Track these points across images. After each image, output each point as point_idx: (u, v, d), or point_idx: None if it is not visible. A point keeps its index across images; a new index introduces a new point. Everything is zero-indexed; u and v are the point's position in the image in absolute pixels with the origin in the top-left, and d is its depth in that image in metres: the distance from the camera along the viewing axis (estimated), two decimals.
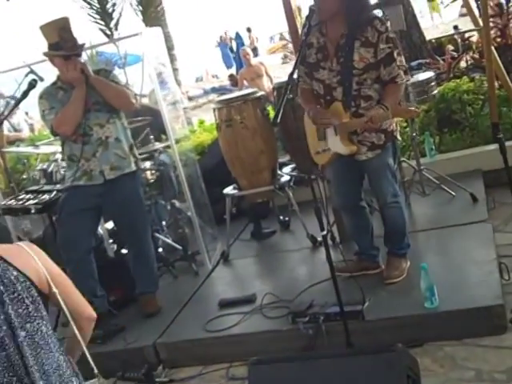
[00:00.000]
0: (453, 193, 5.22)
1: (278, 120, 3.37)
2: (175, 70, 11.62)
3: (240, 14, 29.00)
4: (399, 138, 4.28)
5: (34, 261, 2.10)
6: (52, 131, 4.39)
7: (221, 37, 24.91)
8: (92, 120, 4.34)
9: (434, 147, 6.05)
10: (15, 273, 2.01)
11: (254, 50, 19.99)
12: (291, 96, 3.57)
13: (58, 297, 2.12)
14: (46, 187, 5.12)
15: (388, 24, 3.87)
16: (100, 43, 6.77)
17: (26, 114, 19.30)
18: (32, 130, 13.07)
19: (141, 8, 10.79)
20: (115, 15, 10.43)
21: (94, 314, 2.30)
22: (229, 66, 23.35)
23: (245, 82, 11.41)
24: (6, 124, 8.60)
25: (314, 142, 4.04)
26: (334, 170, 4.15)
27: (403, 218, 4.10)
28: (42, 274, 2.09)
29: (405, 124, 5.98)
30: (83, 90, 4.28)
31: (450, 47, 8.86)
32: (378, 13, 5.29)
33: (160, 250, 5.40)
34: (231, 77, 16.84)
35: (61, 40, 4.24)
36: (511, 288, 3.81)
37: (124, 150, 4.45)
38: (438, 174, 5.37)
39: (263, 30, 26.43)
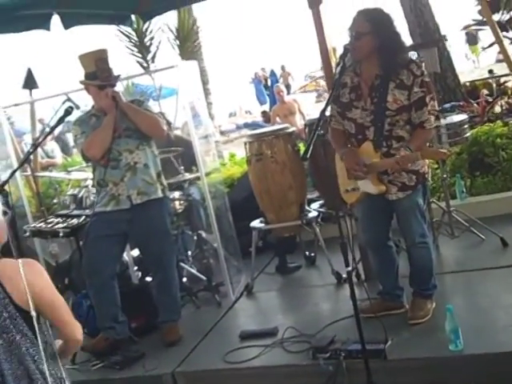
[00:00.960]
0: (482, 236, 5.15)
1: (308, 155, 3.39)
2: (209, 104, 11.79)
3: (276, 52, 29.27)
4: (430, 180, 4.27)
5: (21, 280, 2.28)
6: (83, 155, 4.47)
7: (255, 73, 25.16)
8: (122, 146, 4.41)
9: (464, 190, 6.01)
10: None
11: (287, 87, 20.12)
12: (322, 132, 3.57)
13: (34, 321, 2.30)
14: (76, 212, 5.19)
15: (423, 68, 3.88)
16: (136, 74, 6.89)
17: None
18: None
19: (178, 42, 11.00)
20: (152, 49, 10.63)
21: (81, 338, 2.51)
22: (262, 103, 23.52)
23: (277, 119, 11.47)
24: (39, 151, 8.79)
25: (344, 180, 4.03)
26: (362, 208, 4.13)
27: (431, 258, 4.06)
28: (25, 295, 2.28)
29: (436, 166, 5.96)
30: (113, 116, 4.37)
31: (485, 91, 8.83)
32: (413, 55, 5.32)
33: (184, 279, 5.41)
34: (264, 113, 16.97)
35: (97, 70, 4.37)
36: None
37: (152, 176, 4.50)
38: (468, 216, 5.30)
39: (298, 69, 26.62)
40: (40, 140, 4.97)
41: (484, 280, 4.48)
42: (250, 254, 5.34)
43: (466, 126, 5.38)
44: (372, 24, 3.74)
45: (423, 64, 5.42)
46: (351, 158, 3.87)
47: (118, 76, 4.59)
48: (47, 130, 5.24)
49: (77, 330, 2.49)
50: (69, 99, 5.10)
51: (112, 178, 4.41)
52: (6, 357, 2.24)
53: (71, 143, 12.98)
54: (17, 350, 2.27)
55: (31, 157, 6.32)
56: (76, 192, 6.08)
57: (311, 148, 3.32)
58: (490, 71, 8.26)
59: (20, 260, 2.38)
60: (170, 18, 11.04)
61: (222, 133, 18.30)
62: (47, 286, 2.42)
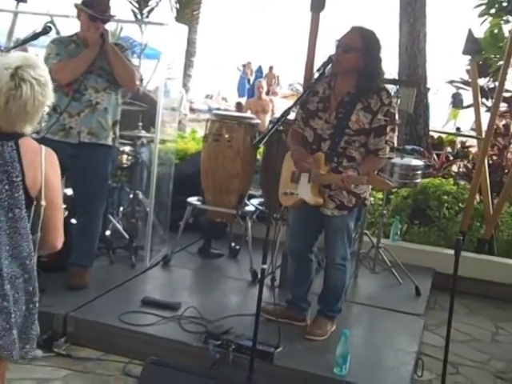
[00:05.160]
0: (400, 280, 5.28)
1: (260, 144, 3.45)
2: (189, 75, 11.73)
3: (269, 49, 29.14)
4: (369, 204, 4.36)
5: (39, 167, 2.29)
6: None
7: (244, 65, 25.13)
8: (90, 82, 4.38)
9: (398, 233, 6.13)
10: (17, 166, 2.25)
11: (268, 88, 20.13)
12: (282, 128, 3.60)
13: (42, 210, 2.30)
14: None
15: (394, 100, 3.95)
16: (127, 20, 6.82)
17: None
18: None
19: (178, 6, 10.92)
20: (151, 3, 10.52)
21: (59, 246, 2.48)
22: (241, 95, 23.51)
23: (249, 112, 11.50)
24: None
25: (286, 182, 4.06)
26: (295, 215, 4.17)
27: (344, 282, 4.11)
28: (39, 182, 2.29)
29: (380, 202, 6.06)
30: (95, 52, 4.35)
31: (449, 149, 9.03)
32: (392, 89, 5.41)
33: (108, 232, 5.36)
34: (238, 104, 16.92)
35: (95, 0, 4.32)
36: None
37: (107, 121, 4.46)
38: (394, 258, 5.42)
39: (285, 75, 26.62)
40: (8, 49, 4.85)
41: (387, 319, 4.62)
42: (178, 228, 5.34)
43: (418, 173, 5.50)
44: (365, 42, 3.79)
45: (399, 100, 5.52)
46: (302, 153, 3.90)
47: (113, 16, 4.55)
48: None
49: (60, 238, 2.46)
50: (52, 21, 5.01)
51: (70, 109, 4.35)
52: (9, 232, 2.25)
53: None
54: (23, 229, 2.28)
55: None
56: None
57: (265, 139, 3.35)
58: (458, 128, 8.38)
59: (43, 147, 2.37)
60: None
61: (193, 110, 18.23)
62: (57, 185, 2.40)
